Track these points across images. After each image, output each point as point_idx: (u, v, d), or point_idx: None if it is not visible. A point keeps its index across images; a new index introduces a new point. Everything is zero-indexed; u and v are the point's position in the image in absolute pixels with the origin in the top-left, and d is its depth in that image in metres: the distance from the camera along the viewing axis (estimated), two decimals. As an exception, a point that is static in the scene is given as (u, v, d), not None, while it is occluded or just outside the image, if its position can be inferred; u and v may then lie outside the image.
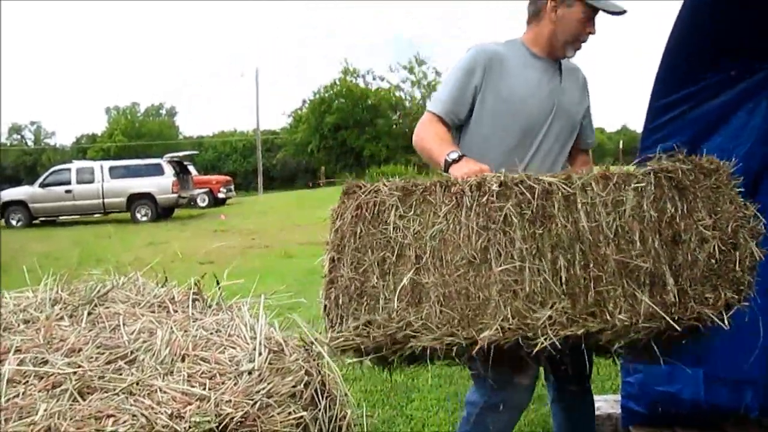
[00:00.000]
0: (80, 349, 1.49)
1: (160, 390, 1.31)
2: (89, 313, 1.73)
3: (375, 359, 1.84)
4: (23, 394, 1.29)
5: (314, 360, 1.54)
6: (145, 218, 18.30)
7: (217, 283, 1.90)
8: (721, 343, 2.17)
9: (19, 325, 1.66)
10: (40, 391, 1.29)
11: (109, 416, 1.20)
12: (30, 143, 61.99)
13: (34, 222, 18.58)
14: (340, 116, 39.88)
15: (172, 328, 1.59)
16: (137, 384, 1.32)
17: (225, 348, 1.51)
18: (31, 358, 1.43)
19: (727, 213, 1.81)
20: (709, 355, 2.61)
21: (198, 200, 22.57)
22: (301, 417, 1.35)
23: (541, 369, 2.27)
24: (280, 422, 1.30)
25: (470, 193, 1.76)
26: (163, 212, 18.79)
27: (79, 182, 18.47)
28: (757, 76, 2.54)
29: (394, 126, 42.27)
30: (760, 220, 1.85)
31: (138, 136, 53.08)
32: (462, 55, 2.27)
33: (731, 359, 2.63)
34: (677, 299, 1.72)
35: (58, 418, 1.18)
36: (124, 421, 1.19)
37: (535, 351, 1.65)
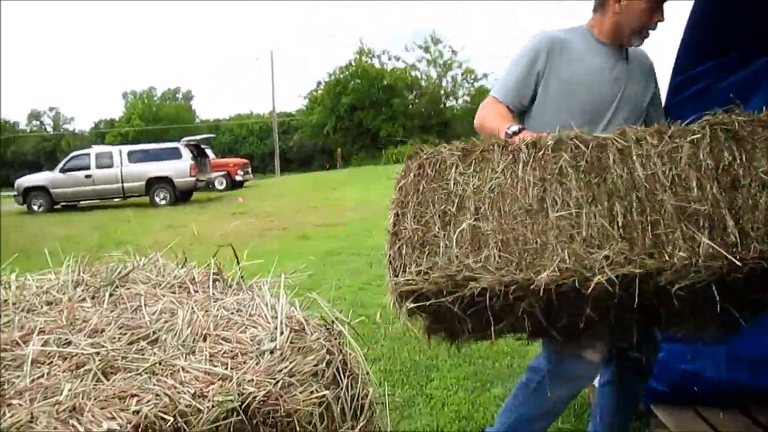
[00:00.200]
0: (103, 330, 1.50)
1: (183, 370, 1.31)
2: (111, 294, 1.74)
3: (444, 332, 1.90)
4: (48, 374, 1.29)
5: (335, 339, 1.54)
6: (163, 202, 18.44)
7: (237, 263, 1.90)
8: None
9: (42, 306, 1.67)
10: (64, 372, 1.30)
11: (132, 396, 1.20)
12: (49, 129, 62.61)
13: (55, 207, 18.81)
14: (356, 97, 39.75)
15: (193, 308, 1.60)
16: (160, 364, 1.33)
17: (246, 327, 1.51)
18: (55, 339, 1.44)
19: None
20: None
21: (216, 183, 22.67)
22: (324, 396, 1.35)
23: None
24: (303, 401, 1.30)
25: (526, 150, 1.83)
26: (181, 196, 18.91)
27: (98, 167, 18.63)
28: None
29: (411, 106, 42.12)
30: None
31: (155, 120, 53.39)
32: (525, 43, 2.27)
33: (754, 337, 2.60)
34: (738, 240, 1.68)
35: (83, 398, 1.19)
36: (148, 401, 1.19)
37: (591, 288, 1.63)
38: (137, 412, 1.15)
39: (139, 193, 18.79)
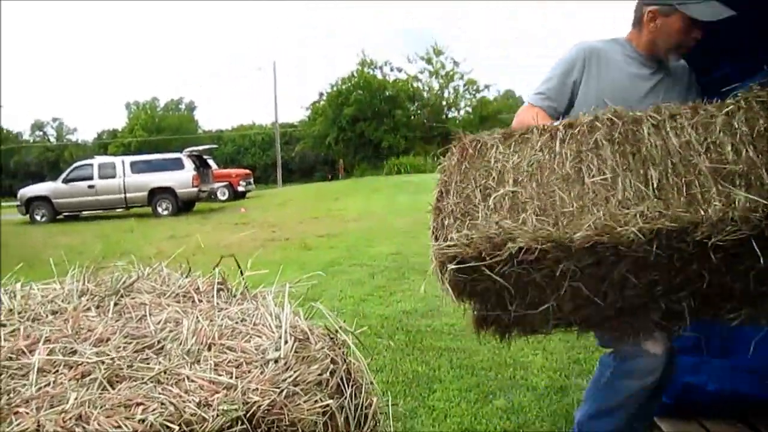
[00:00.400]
0: (108, 339, 1.51)
1: (188, 378, 1.31)
2: (116, 304, 1.74)
3: (493, 326, 1.94)
4: (54, 383, 1.30)
5: (339, 348, 1.54)
6: (166, 212, 18.49)
7: (241, 273, 1.91)
8: (749, 333, 2.14)
9: (47, 315, 1.68)
10: (70, 380, 1.31)
11: (138, 404, 1.21)
12: (52, 139, 62.84)
13: (57, 217, 18.85)
14: (358, 108, 39.85)
15: (197, 317, 1.60)
16: (165, 373, 1.33)
17: (251, 337, 1.52)
18: (61, 348, 1.45)
19: None
20: (736, 345, 2.57)
21: (218, 194, 22.72)
22: (328, 405, 1.35)
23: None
24: (307, 410, 1.30)
25: (563, 129, 1.92)
26: (183, 206, 18.96)
27: (101, 177, 18.71)
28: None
29: (413, 117, 42.23)
30: None
31: (158, 131, 53.58)
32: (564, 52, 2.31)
33: (758, 350, 2.59)
34: None
35: (89, 407, 1.19)
36: (153, 409, 1.19)
37: (627, 244, 1.64)
38: (143, 420, 1.16)
39: (142, 203, 18.84)
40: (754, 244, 1.62)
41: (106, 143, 55.64)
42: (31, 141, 61.60)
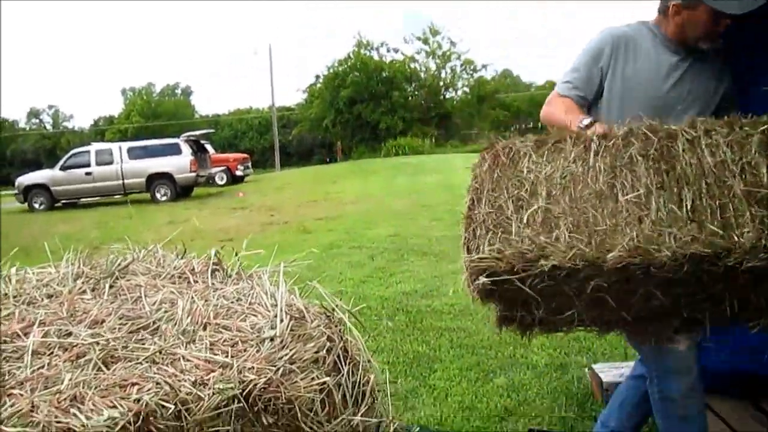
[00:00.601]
0: (103, 321, 1.50)
1: (183, 358, 1.31)
2: (111, 286, 1.74)
3: (516, 324, 1.94)
4: (48, 365, 1.30)
5: (336, 326, 1.54)
6: (164, 198, 18.45)
7: (236, 254, 1.90)
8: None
9: (42, 299, 1.67)
10: (64, 362, 1.30)
11: (133, 384, 1.20)
12: (49, 127, 62.54)
13: (55, 205, 18.82)
14: (355, 90, 39.62)
15: (193, 297, 1.59)
16: (160, 353, 1.33)
17: (246, 316, 1.51)
18: (55, 330, 1.44)
19: None
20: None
21: (216, 178, 22.65)
22: (324, 382, 1.35)
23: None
24: (303, 388, 1.30)
25: (597, 140, 1.89)
26: (182, 191, 18.92)
27: (98, 164, 18.65)
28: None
29: (410, 98, 42.01)
30: None
31: (155, 116, 53.30)
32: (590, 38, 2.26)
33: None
34: None
35: (84, 387, 1.19)
36: (149, 389, 1.19)
37: (660, 267, 1.65)
38: (138, 400, 1.16)
39: (140, 189, 18.79)
40: None
41: (102, 130, 55.38)
42: (28, 129, 61.33)
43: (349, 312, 1.62)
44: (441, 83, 43.43)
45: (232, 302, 1.59)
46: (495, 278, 1.74)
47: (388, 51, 42.36)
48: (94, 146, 20.10)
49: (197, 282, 1.75)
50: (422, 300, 5.43)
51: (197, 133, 22.25)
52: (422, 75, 42.98)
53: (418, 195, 13.86)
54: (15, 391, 1.18)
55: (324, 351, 1.41)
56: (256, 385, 1.25)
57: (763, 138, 1.79)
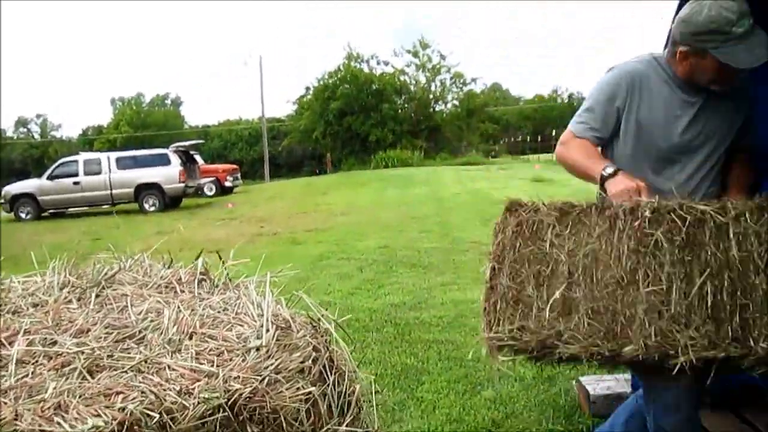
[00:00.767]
0: (88, 330, 1.50)
1: (169, 367, 1.31)
2: (97, 295, 1.73)
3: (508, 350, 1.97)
4: (33, 373, 1.29)
5: (322, 336, 1.54)
6: (153, 208, 18.37)
7: (223, 264, 1.90)
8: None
9: (28, 308, 1.66)
10: (49, 371, 1.30)
11: (118, 393, 1.20)
12: (37, 136, 62.21)
13: (43, 215, 18.68)
14: (345, 102, 39.69)
15: (179, 307, 1.59)
16: (146, 362, 1.33)
17: (232, 326, 1.51)
18: (40, 339, 1.44)
19: None
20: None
21: (205, 189, 22.60)
22: (310, 392, 1.35)
23: None
24: (289, 397, 1.30)
25: (623, 217, 1.84)
26: (170, 202, 18.86)
27: (86, 174, 18.55)
28: None
29: (400, 110, 42.10)
30: None
31: (144, 127, 53.18)
32: (602, 76, 2.23)
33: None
34: None
35: (68, 396, 1.18)
36: (133, 398, 1.19)
37: (675, 370, 1.70)
38: (123, 409, 1.15)
39: (128, 199, 18.71)
40: None
41: (91, 139, 55.13)
42: (15, 138, 60.95)
43: (336, 322, 1.62)
44: (431, 96, 43.58)
45: (218, 312, 1.59)
46: (514, 356, 1.85)
47: (378, 63, 42.52)
48: (83, 156, 20.01)
49: (184, 291, 1.75)
50: (410, 312, 5.43)
51: (186, 143, 22.20)
52: (412, 88, 43.11)
53: (408, 207, 13.89)
54: (-2, 400, 1.17)
55: (310, 361, 1.41)
56: (241, 394, 1.25)
57: None
